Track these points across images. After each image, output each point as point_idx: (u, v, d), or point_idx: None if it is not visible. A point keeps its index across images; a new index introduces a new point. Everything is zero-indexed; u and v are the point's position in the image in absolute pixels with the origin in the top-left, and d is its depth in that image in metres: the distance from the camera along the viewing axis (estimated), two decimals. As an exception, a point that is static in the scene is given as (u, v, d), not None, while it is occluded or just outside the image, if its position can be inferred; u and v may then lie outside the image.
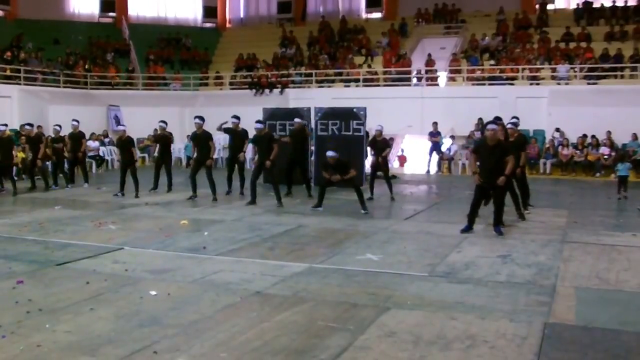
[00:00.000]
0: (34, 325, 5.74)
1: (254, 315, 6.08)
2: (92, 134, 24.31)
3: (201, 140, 14.71)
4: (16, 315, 5.99)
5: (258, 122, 14.51)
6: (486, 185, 10.37)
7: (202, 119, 14.92)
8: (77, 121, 17.91)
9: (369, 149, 15.86)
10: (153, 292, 6.84)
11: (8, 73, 25.37)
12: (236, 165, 15.69)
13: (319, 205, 13.04)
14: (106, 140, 25.78)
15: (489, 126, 10.37)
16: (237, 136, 15.63)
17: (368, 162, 16.43)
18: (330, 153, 12.88)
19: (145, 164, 24.60)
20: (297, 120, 16.30)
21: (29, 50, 27.79)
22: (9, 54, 26.44)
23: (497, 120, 12.16)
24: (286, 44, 31.55)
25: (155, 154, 18.44)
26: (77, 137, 17.72)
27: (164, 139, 16.45)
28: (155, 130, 16.48)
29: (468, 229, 10.45)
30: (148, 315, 6.07)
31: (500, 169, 10.11)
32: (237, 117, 15.72)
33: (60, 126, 18.15)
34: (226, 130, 15.71)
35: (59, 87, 26.71)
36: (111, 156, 24.97)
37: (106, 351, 5.13)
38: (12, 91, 24.22)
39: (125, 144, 15.38)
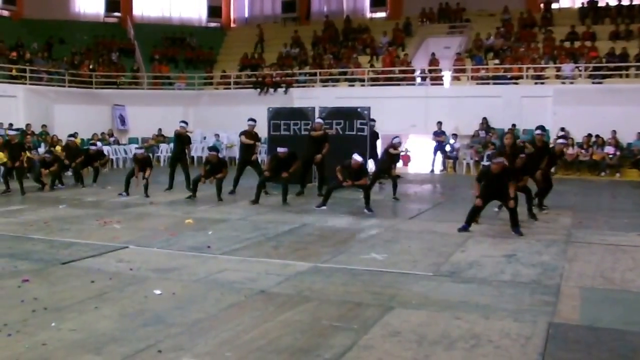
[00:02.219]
0: (40, 323, 5.76)
1: (258, 314, 6.09)
2: (94, 134, 24.38)
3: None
4: (22, 314, 6.01)
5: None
6: (487, 201, 10.84)
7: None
8: (74, 135, 19.06)
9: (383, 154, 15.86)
10: (157, 291, 6.85)
11: (14, 73, 25.48)
12: (249, 166, 15.85)
13: (323, 204, 13.05)
14: (111, 139, 25.85)
15: (495, 160, 10.66)
16: (251, 139, 15.80)
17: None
18: (357, 157, 12.89)
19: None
20: (318, 120, 15.85)
21: (34, 50, 27.91)
22: (14, 53, 26.55)
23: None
24: (263, 45, 31.94)
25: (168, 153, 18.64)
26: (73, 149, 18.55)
27: (186, 138, 16.65)
28: (178, 132, 16.45)
29: (465, 228, 10.51)
30: (152, 314, 6.08)
31: (506, 190, 10.50)
32: (254, 120, 15.74)
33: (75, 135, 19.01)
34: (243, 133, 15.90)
35: (64, 86, 26.80)
36: (116, 155, 25.03)
37: (111, 350, 5.14)
38: (17, 91, 24.35)
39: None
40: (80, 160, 17.92)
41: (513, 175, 10.77)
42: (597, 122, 21.37)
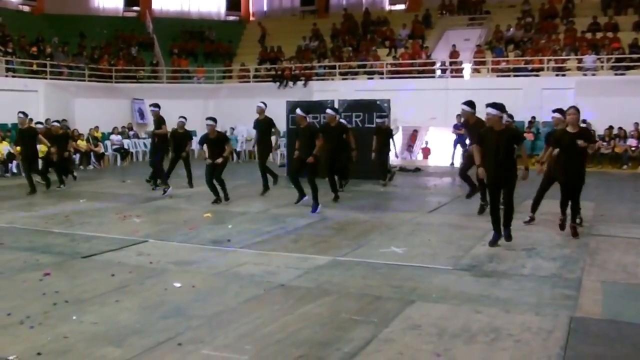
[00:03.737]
0: (61, 316, 5.81)
1: (278, 308, 6.09)
2: (114, 128, 24.53)
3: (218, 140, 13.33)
4: (43, 307, 6.06)
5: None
6: (496, 182, 8.70)
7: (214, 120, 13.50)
8: (58, 121, 17.42)
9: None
10: (177, 284, 6.88)
11: (34, 67, 25.67)
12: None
13: (335, 196, 12.93)
14: (131, 133, 26.00)
15: (489, 110, 8.62)
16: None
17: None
18: (299, 112, 12.27)
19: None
20: (328, 112, 14.14)
21: (54, 45, 28.10)
22: (34, 48, 26.75)
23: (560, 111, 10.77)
24: (264, 41, 31.84)
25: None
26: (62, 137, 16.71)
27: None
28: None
29: (496, 238, 8.83)
30: (172, 306, 6.11)
31: (510, 162, 8.53)
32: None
33: (58, 121, 17.51)
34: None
35: (84, 81, 26.97)
36: (135, 149, 25.17)
37: (132, 342, 5.17)
38: (38, 85, 24.53)
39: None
40: (71, 149, 17.13)
41: (519, 138, 8.87)
42: (620, 114, 21.13)
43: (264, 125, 14.62)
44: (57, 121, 16.96)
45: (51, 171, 15.83)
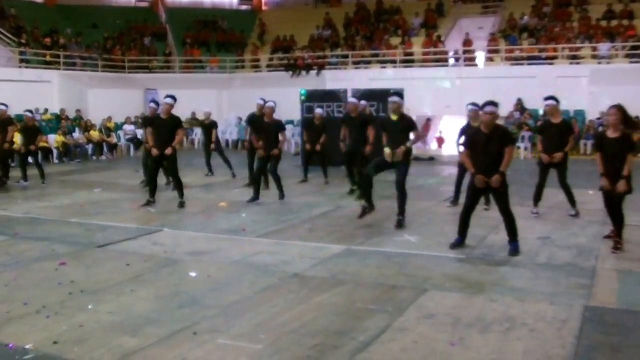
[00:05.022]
0: (77, 305, 5.85)
1: (293, 297, 6.10)
2: (127, 117, 24.61)
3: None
4: (59, 296, 6.11)
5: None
6: (482, 187, 7.82)
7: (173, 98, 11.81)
8: (30, 111, 15.35)
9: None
10: (192, 273, 6.91)
11: (48, 58, 25.79)
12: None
13: (352, 189, 12.50)
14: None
15: (489, 108, 7.65)
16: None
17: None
18: (267, 103, 11.71)
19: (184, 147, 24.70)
20: (351, 100, 13.18)
21: (68, 36, 28.20)
22: (48, 39, 26.86)
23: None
24: (263, 36, 31.86)
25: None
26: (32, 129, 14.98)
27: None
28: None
29: (459, 242, 8.07)
30: (188, 296, 6.14)
31: (498, 165, 7.63)
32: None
33: (30, 111, 15.30)
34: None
35: (97, 71, 27.06)
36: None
37: (147, 331, 5.20)
38: (52, 76, 24.67)
39: None
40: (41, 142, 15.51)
41: (510, 140, 7.84)
42: (635, 103, 20.74)
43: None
44: (29, 111, 15.19)
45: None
